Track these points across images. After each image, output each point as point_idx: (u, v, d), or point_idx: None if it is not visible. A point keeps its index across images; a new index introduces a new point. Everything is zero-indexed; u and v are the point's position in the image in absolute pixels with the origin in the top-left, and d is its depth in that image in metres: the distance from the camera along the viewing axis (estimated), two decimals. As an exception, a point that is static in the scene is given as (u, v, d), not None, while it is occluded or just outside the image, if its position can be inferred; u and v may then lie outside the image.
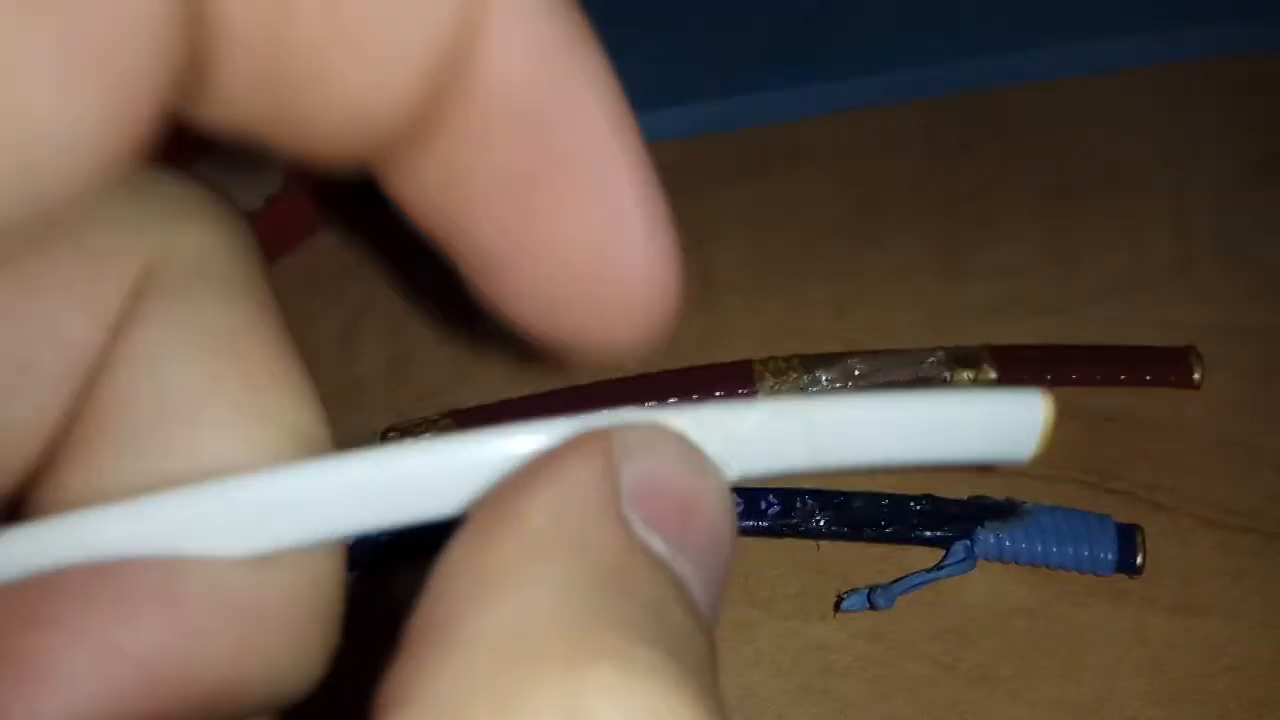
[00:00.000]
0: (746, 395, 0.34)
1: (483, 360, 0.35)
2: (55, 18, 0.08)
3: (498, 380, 0.35)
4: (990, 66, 0.40)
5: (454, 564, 0.11)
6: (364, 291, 0.37)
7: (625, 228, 0.12)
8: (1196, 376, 0.33)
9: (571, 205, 0.12)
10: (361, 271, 0.37)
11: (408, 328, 0.36)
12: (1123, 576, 0.30)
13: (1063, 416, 0.33)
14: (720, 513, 0.13)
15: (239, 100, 0.10)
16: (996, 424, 0.15)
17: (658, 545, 0.12)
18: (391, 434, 0.34)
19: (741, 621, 0.31)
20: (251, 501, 0.13)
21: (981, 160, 0.39)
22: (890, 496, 0.31)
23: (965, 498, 0.31)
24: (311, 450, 0.13)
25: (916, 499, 0.31)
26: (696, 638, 0.11)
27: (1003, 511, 0.31)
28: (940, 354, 0.34)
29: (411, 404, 0.35)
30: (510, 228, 0.12)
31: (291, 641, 0.12)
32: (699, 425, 0.14)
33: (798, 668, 0.30)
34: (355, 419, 0.34)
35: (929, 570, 0.30)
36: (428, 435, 0.34)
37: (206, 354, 0.13)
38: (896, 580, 0.30)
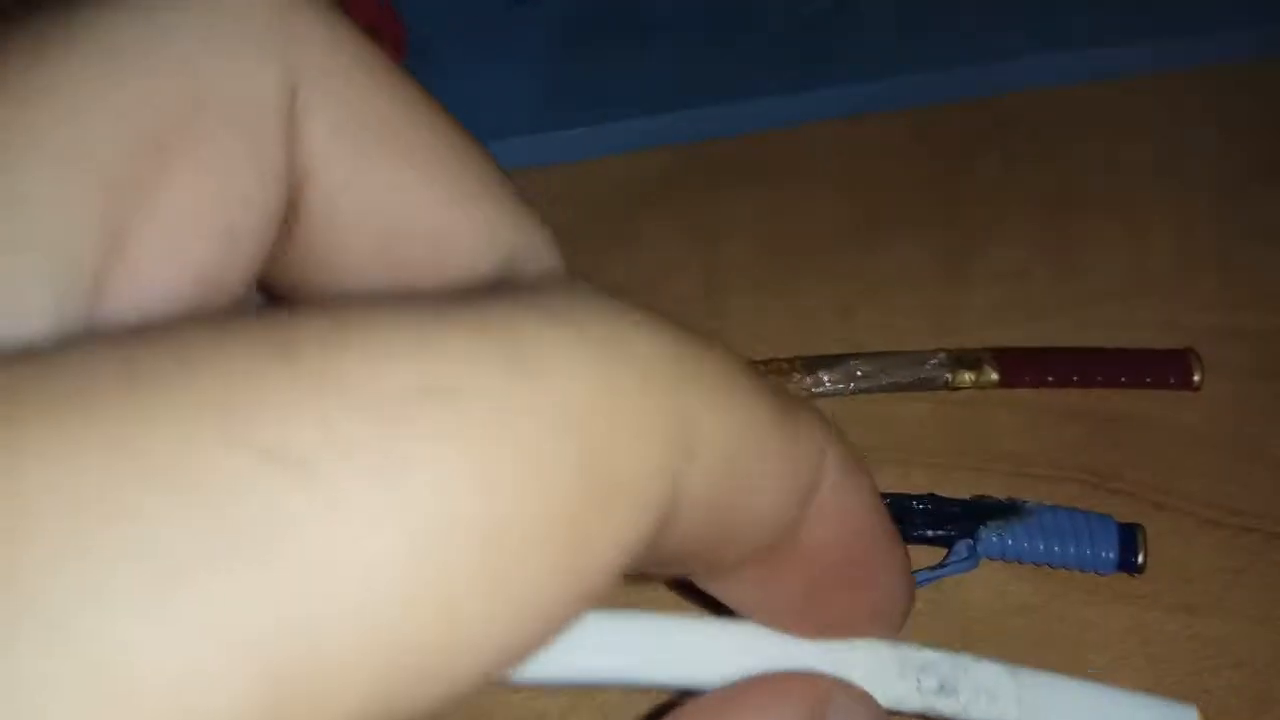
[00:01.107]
0: None
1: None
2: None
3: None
4: (991, 73, 0.40)
5: None
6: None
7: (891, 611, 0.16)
8: (1196, 378, 0.34)
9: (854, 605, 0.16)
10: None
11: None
12: (1124, 575, 0.30)
13: (1064, 418, 0.34)
14: None
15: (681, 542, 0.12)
16: None
17: None
18: None
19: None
20: None
21: (983, 166, 0.39)
22: (892, 496, 0.32)
23: (968, 497, 0.32)
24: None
25: (919, 498, 0.32)
26: None
27: (1005, 511, 0.31)
28: (942, 355, 0.34)
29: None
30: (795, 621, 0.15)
31: None
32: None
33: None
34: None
35: (932, 569, 0.30)
36: None
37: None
38: None
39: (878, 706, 0.16)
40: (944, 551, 0.31)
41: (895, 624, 0.16)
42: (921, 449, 0.33)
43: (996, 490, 0.32)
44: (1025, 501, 0.31)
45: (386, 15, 0.40)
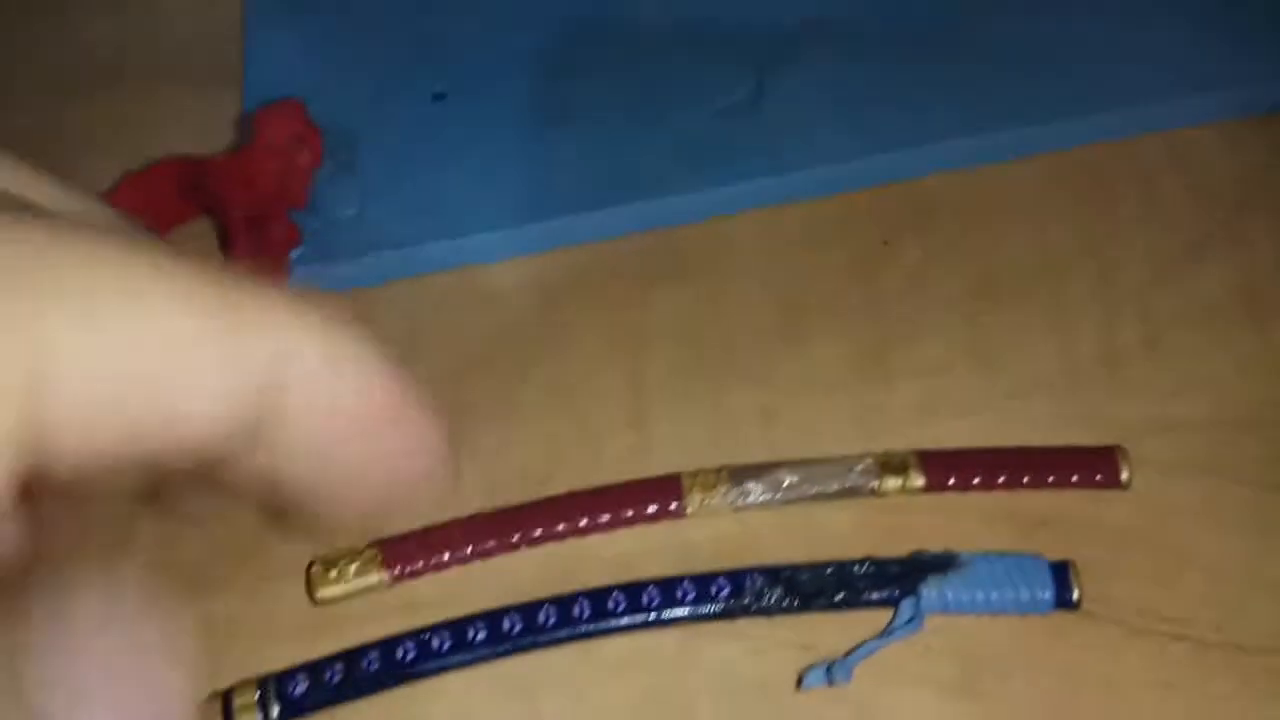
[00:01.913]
0: (676, 509, 0.34)
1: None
2: None
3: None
4: (910, 157, 0.39)
5: None
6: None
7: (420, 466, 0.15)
8: (1124, 476, 0.33)
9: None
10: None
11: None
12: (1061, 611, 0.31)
13: (991, 519, 0.33)
14: None
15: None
16: None
17: None
18: (315, 566, 0.33)
19: None
20: None
21: (904, 254, 0.38)
22: (833, 564, 0.32)
23: (905, 555, 0.32)
24: None
25: (858, 562, 0.32)
26: None
27: (942, 564, 0.32)
28: (868, 461, 0.34)
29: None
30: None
31: None
32: None
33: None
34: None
35: (880, 636, 0.31)
36: (354, 564, 0.33)
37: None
38: (851, 651, 0.31)
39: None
40: (889, 613, 0.31)
41: (438, 483, 0.16)
42: (849, 559, 0.33)
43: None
44: (959, 552, 0.32)
45: (307, 125, 0.40)
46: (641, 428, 0.36)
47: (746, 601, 0.32)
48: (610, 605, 0.32)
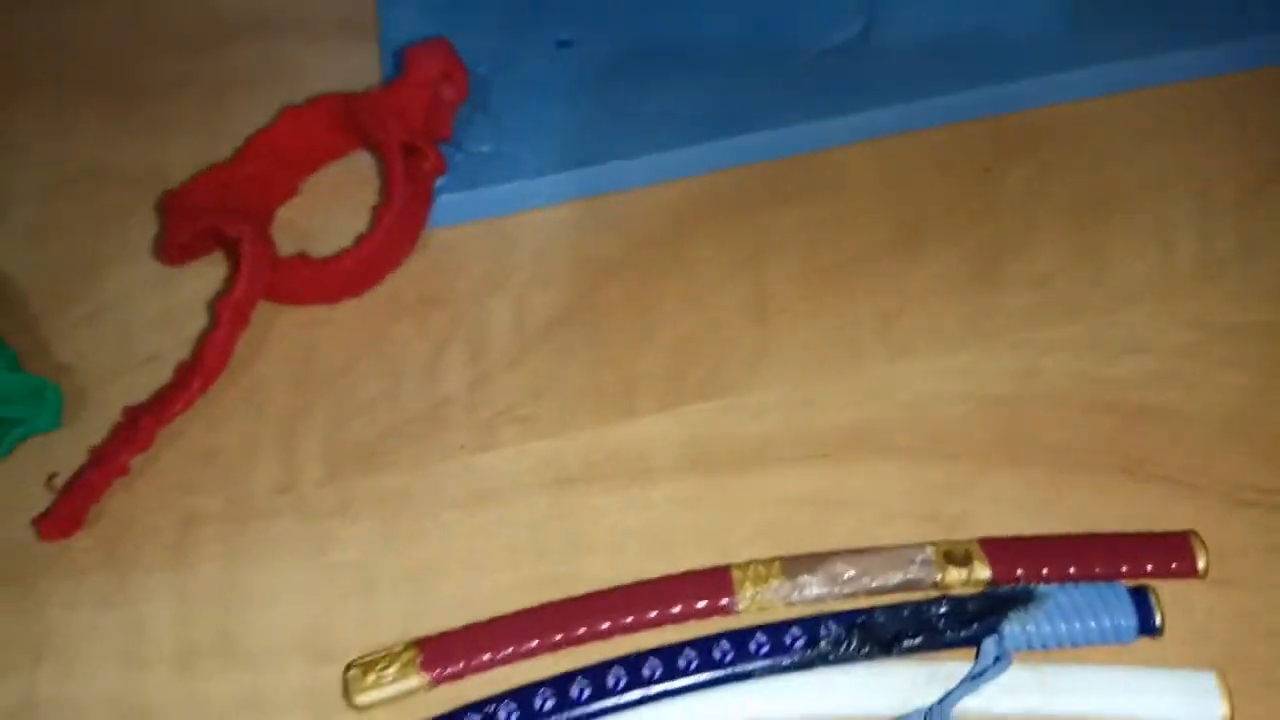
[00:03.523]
0: (728, 604, 0.32)
1: (554, 380, 0.38)
2: None
3: (572, 395, 0.38)
4: (1010, 92, 0.43)
5: None
6: (444, 318, 0.40)
7: None
8: (1201, 564, 0.32)
9: None
10: (442, 300, 0.41)
11: (485, 352, 0.39)
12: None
13: (1097, 409, 0.36)
14: None
15: None
16: None
17: None
18: (352, 670, 0.32)
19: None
20: None
21: (1011, 175, 0.41)
22: (909, 605, 0.31)
23: (980, 591, 0.32)
24: None
25: (934, 601, 0.31)
26: None
27: (1020, 599, 0.31)
28: (929, 550, 0.32)
29: (489, 421, 0.38)
30: None
31: None
32: None
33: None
34: (442, 437, 0.37)
35: (970, 679, 0.30)
36: (391, 667, 0.32)
37: None
38: (944, 698, 0.30)
39: None
40: (973, 652, 0.31)
41: None
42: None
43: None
44: (1036, 586, 0.31)
45: (454, 62, 0.43)
46: (765, 326, 0.39)
47: (825, 650, 0.31)
48: (682, 663, 0.31)
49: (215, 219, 0.40)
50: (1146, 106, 0.42)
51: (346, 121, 0.43)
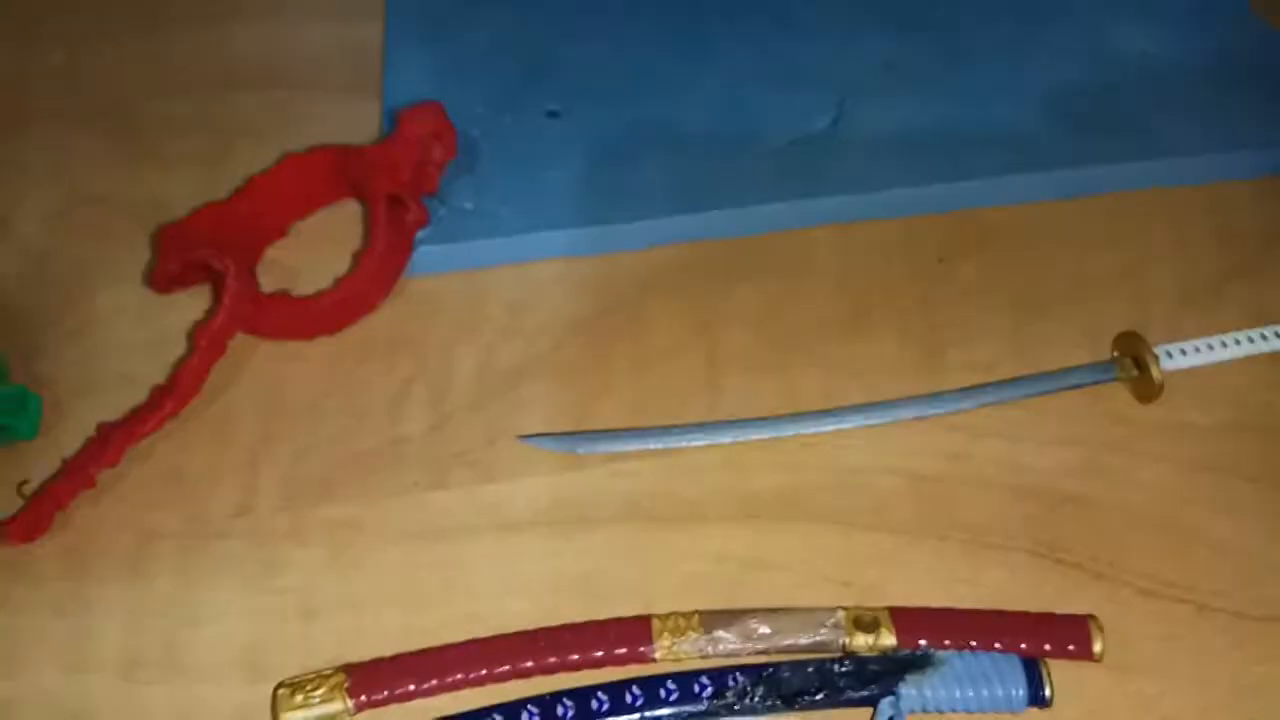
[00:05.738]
0: (645, 652, 0.34)
1: (509, 428, 0.40)
2: None
3: (522, 448, 0.40)
4: (966, 191, 0.45)
5: None
6: (412, 362, 0.42)
7: None
8: (1097, 649, 0.33)
9: None
10: (412, 344, 0.43)
11: (446, 396, 0.41)
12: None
13: (1020, 494, 0.37)
14: None
15: None
16: None
17: None
18: (283, 689, 0.34)
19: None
20: None
21: (959, 270, 0.44)
22: (814, 662, 0.33)
23: (884, 652, 0.33)
24: None
25: (839, 660, 0.33)
26: None
27: (920, 663, 0.32)
28: (840, 614, 0.34)
29: (443, 462, 0.39)
30: None
31: None
32: None
33: None
34: (396, 473, 0.39)
35: None
36: (319, 689, 0.33)
37: None
38: None
39: None
40: (870, 713, 0.32)
41: None
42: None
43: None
44: (935, 651, 0.33)
45: (444, 123, 0.46)
46: (714, 391, 0.41)
47: (730, 700, 0.32)
48: (594, 705, 0.32)
49: (206, 252, 0.42)
50: (1092, 212, 0.45)
51: (340, 171, 0.46)
